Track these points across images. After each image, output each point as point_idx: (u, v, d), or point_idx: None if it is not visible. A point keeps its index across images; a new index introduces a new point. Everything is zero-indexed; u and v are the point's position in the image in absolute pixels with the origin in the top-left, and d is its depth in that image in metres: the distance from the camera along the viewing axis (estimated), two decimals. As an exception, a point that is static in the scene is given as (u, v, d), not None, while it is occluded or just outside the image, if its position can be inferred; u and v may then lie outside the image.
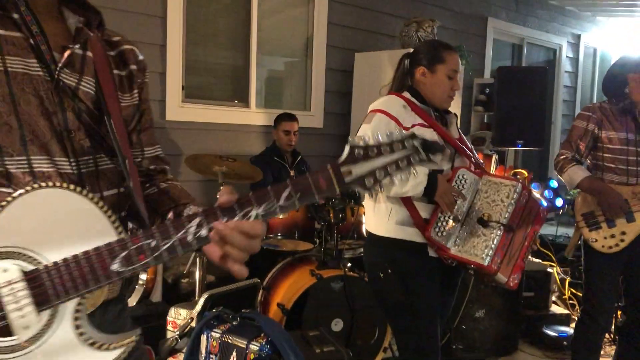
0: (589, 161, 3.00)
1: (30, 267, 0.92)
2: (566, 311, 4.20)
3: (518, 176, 4.85)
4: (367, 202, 2.37)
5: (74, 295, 0.92)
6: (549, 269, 4.18)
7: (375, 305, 3.19)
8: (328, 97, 5.13)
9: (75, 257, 0.92)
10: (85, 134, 1.06)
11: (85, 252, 0.92)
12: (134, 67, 1.22)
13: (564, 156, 2.95)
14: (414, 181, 2.11)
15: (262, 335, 2.28)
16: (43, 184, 0.93)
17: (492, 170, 5.27)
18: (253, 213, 0.95)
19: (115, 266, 0.92)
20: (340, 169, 0.96)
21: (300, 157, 4.26)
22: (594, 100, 8.60)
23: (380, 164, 0.98)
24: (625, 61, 2.96)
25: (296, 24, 5.03)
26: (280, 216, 3.40)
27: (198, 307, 2.57)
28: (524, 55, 7.22)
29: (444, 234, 2.16)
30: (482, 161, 2.43)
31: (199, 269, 3.11)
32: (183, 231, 0.94)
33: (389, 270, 2.27)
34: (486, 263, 2.10)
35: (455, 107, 5.28)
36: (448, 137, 2.26)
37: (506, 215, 2.13)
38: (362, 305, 3.13)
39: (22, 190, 0.92)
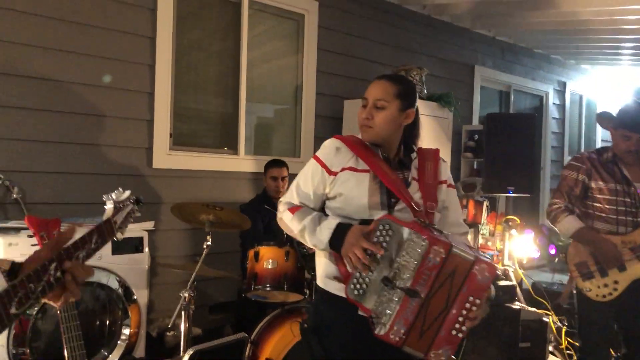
0: (577, 210, 3.05)
1: None
2: (564, 362, 4.08)
3: (510, 223, 4.81)
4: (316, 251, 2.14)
5: None
6: (545, 318, 4.07)
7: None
8: (317, 143, 5.08)
9: None
10: None
11: None
12: None
13: (557, 205, 3.02)
14: (320, 236, 1.93)
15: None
16: None
17: (484, 217, 5.22)
18: (80, 254, 1.21)
19: (14, 309, 1.02)
20: (114, 217, 1.36)
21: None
22: (582, 147, 8.68)
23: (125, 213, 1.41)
24: (608, 114, 3.11)
25: (285, 72, 5.04)
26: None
27: (182, 364, 2.45)
28: (512, 102, 7.30)
29: (361, 292, 1.82)
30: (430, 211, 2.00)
31: (184, 322, 2.98)
32: (47, 274, 1.10)
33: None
34: (380, 332, 1.80)
35: (445, 153, 5.28)
36: (385, 179, 1.97)
37: (406, 276, 1.80)
38: None
39: None
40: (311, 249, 2.26)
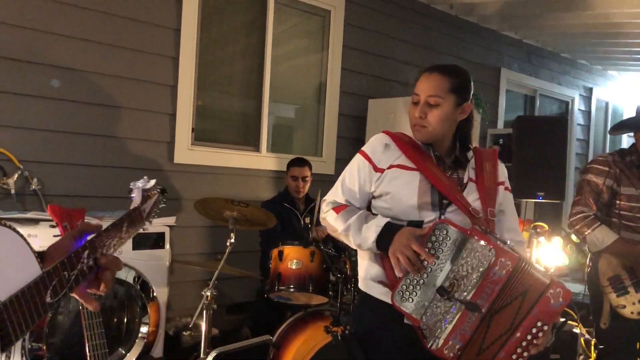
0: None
1: None
2: (594, 376, 3.91)
3: (538, 230, 4.64)
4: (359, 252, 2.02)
5: (25, 332, 0.93)
6: (575, 330, 3.92)
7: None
8: (340, 143, 4.99)
9: (22, 292, 0.92)
10: None
11: (28, 287, 0.93)
12: None
13: (583, 214, 2.74)
14: (366, 233, 1.78)
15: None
16: None
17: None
18: (112, 242, 1.16)
19: (49, 299, 0.97)
20: (142, 205, 1.30)
21: (313, 204, 4.07)
22: (607, 154, 8.47)
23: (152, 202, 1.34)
24: (628, 120, 2.96)
25: (309, 69, 4.93)
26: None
27: (205, 367, 2.34)
28: (537, 107, 7.14)
29: (410, 300, 1.68)
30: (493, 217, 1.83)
31: (205, 322, 2.87)
32: (80, 262, 1.04)
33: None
34: (433, 346, 1.65)
35: (471, 156, 5.13)
36: (436, 181, 1.80)
37: (466, 288, 1.65)
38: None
39: None
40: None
